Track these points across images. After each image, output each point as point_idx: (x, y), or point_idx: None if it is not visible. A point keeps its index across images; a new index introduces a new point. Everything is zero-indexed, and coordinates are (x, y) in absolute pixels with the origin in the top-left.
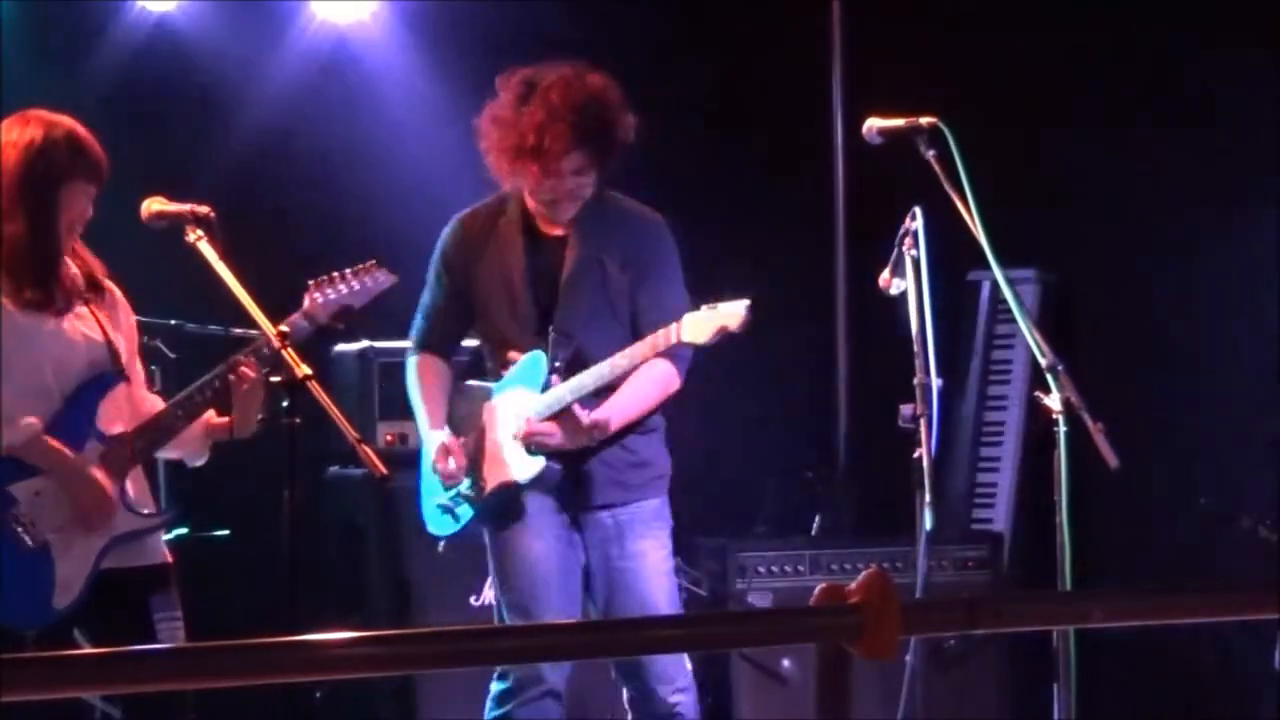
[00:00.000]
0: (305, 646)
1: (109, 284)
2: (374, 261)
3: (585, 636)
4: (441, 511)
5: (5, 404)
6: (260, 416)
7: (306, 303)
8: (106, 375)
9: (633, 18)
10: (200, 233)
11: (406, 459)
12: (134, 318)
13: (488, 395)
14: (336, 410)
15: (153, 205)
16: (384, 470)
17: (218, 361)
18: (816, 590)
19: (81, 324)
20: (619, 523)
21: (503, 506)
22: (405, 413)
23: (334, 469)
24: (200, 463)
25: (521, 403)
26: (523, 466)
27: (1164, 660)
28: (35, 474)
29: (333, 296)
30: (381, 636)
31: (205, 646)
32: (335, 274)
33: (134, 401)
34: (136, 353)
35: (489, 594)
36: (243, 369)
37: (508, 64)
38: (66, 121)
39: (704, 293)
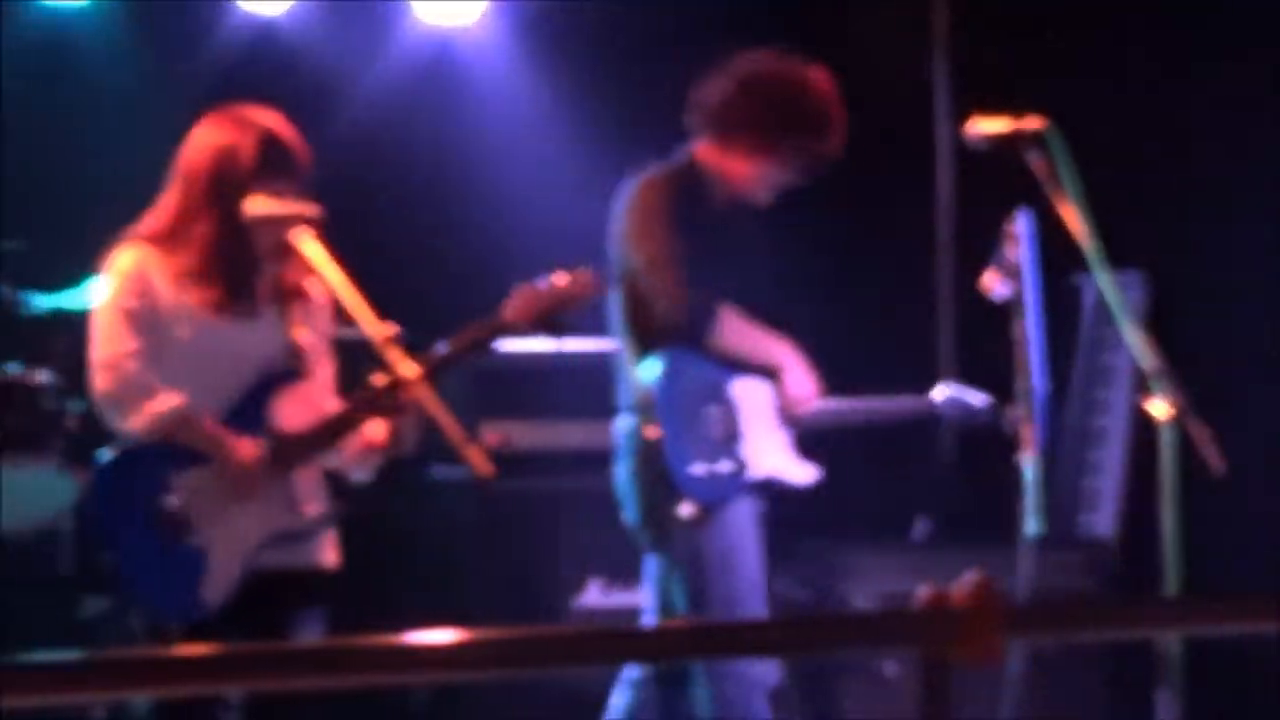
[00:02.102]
0: (408, 647)
1: (311, 289)
2: (586, 269)
3: (683, 639)
4: (707, 481)
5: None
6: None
7: (508, 306)
8: (282, 373)
9: (734, 18)
10: (305, 233)
11: (512, 461)
12: (333, 327)
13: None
14: (442, 410)
15: (258, 206)
16: (488, 471)
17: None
18: (918, 595)
19: (267, 326)
20: None
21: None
22: (509, 413)
23: (436, 469)
24: (363, 478)
25: (768, 395)
26: (797, 470)
27: (1274, 665)
28: (193, 467)
29: (531, 302)
30: (487, 637)
31: (311, 646)
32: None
33: (316, 404)
34: (328, 359)
35: (591, 595)
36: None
37: (611, 65)
38: (262, 120)
39: (810, 297)
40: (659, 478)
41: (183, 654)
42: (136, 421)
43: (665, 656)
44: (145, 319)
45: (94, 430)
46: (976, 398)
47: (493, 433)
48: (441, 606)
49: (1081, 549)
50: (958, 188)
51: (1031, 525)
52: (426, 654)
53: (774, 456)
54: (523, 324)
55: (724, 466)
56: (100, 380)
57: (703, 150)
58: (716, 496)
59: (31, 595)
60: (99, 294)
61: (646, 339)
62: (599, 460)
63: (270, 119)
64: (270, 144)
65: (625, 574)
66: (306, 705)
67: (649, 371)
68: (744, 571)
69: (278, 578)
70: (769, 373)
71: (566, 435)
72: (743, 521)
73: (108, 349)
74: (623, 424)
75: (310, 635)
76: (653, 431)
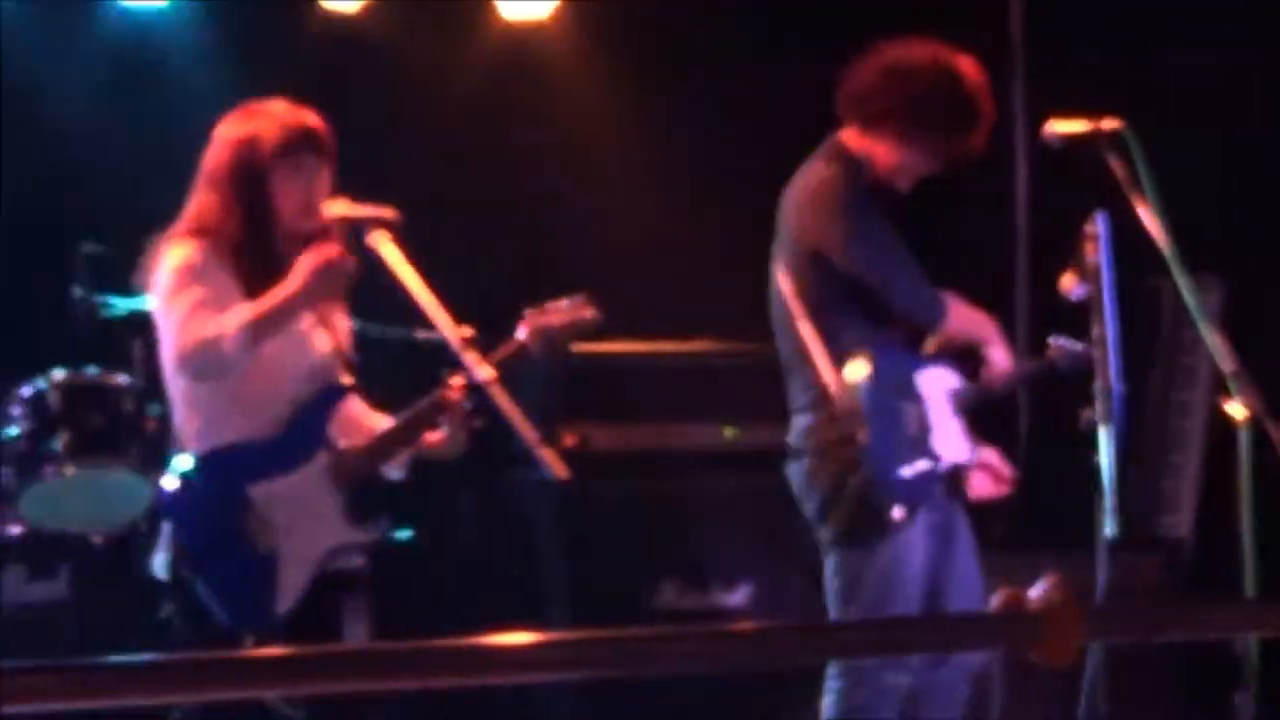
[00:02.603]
0: (485, 648)
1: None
2: (582, 296)
3: (777, 640)
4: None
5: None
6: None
7: (522, 330)
8: (338, 388)
9: (809, 22)
10: (383, 235)
11: (587, 462)
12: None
13: (905, 363)
14: (517, 413)
15: (336, 208)
16: (564, 473)
17: (398, 364)
18: (997, 596)
19: (314, 331)
20: None
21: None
22: (588, 414)
23: (516, 471)
24: (399, 477)
25: (947, 382)
26: (973, 455)
27: None
28: (271, 476)
29: (540, 323)
30: (562, 639)
31: (387, 647)
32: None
33: (357, 415)
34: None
35: (667, 596)
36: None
37: (684, 65)
38: (274, 109)
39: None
40: (866, 482)
41: (260, 655)
42: (232, 347)
43: (757, 657)
44: (210, 303)
45: (173, 435)
46: (1081, 345)
47: (570, 434)
48: (520, 608)
49: (1159, 550)
50: (1035, 189)
51: (1109, 527)
52: (505, 655)
53: (956, 444)
54: (533, 346)
55: (922, 464)
56: (186, 357)
57: (849, 137)
58: (920, 496)
59: (110, 596)
60: (160, 287)
61: (834, 335)
62: (676, 462)
63: (284, 105)
64: (311, 130)
65: (700, 576)
66: (382, 705)
67: (856, 372)
68: (909, 570)
69: (332, 580)
70: (974, 348)
71: (643, 437)
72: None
73: (184, 324)
74: (799, 423)
75: (358, 626)
76: (863, 436)
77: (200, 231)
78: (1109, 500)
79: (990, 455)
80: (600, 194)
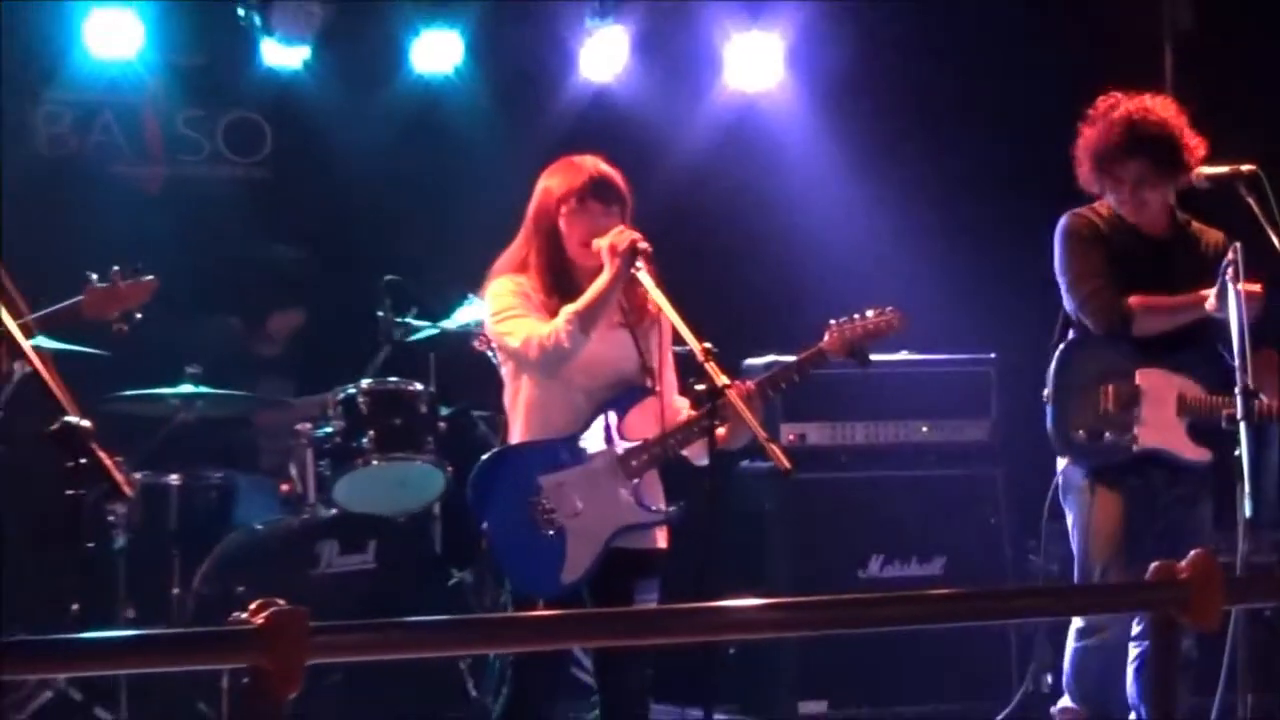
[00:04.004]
0: (722, 611)
1: (660, 313)
2: (891, 307)
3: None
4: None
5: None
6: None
7: (825, 338)
8: (636, 389)
9: (1002, 82)
10: (639, 264)
11: (805, 456)
12: (672, 346)
13: (1130, 359)
14: (749, 414)
15: (604, 240)
16: (788, 465)
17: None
18: (1151, 568)
19: (616, 341)
20: None
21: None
22: (806, 415)
23: (745, 463)
24: (702, 464)
25: (1179, 387)
26: (1190, 448)
27: None
28: (560, 469)
29: (846, 333)
30: (786, 604)
31: (647, 610)
32: (854, 315)
33: (661, 413)
34: (671, 371)
35: (873, 568)
36: (738, 391)
37: (899, 124)
38: (577, 161)
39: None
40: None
41: (539, 617)
42: (567, 338)
43: (948, 619)
44: (534, 317)
45: (460, 432)
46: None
47: (791, 432)
48: (750, 578)
49: None
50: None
51: (1248, 509)
52: (740, 616)
53: (1166, 434)
54: (837, 353)
55: (1108, 436)
56: (533, 351)
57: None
58: (1097, 459)
59: (410, 569)
60: (486, 316)
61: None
62: (878, 455)
63: (593, 161)
64: (593, 180)
65: (901, 550)
66: (645, 658)
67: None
68: (1104, 528)
69: (623, 556)
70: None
71: (851, 434)
72: (1116, 483)
73: (523, 330)
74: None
75: (647, 601)
76: (1046, 395)
77: (515, 265)
78: (1248, 486)
79: None
80: (814, 233)
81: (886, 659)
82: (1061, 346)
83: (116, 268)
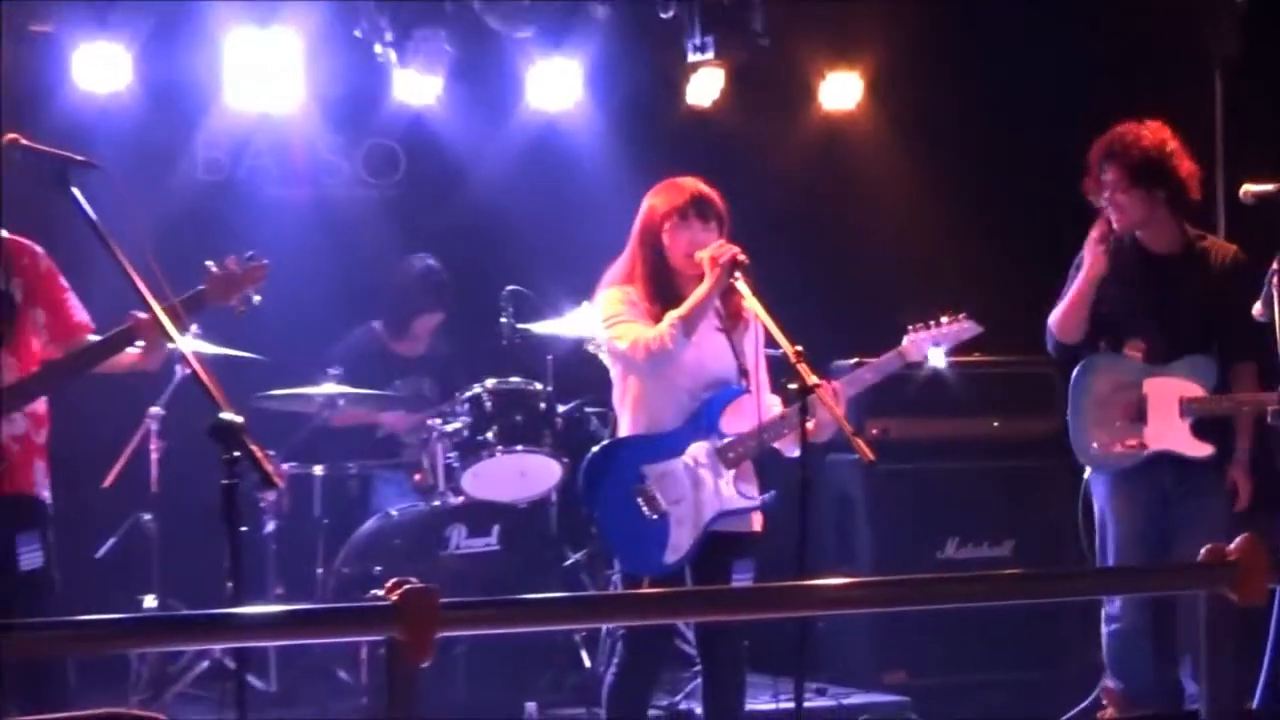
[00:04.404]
0: (811, 589)
1: (754, 318)
2: (964, 314)
3: (1033, 583)
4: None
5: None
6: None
7: (904, 342)
8: (732, 388)
9: (1057, 99)
10: (737, 275)
11: (887, 448)
12: (765, 348)
13: (1136, 372)
14: (836, 410)
15: (704, 252)
16: (871, 457)
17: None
18: (1203, 550)
19: (714, 344)
20: None
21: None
22: (887, 411)
23: (833, 455)
24: (793, 455)
25: (1181, 390)
26: (1193, 446)
27: None
28: (664, 460)
29: (923, 337)
30: (869, 583)
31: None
32: (930, 320)
33: (756, 410)
34: (764, 371)
35: (949, 550)
36: (826, 390)
37: (956, 142)
38: (679, 182)
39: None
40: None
41: (645, 595)
42: (671, 340)
43: (1017, 596)
44: (640, 322)
45: (574, 427)
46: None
47: (874, 426)
48: (838, 559)
49: None
50: (1233, 229)
51: None
52: (828, 594)
53: (1172, 435)
54: (912, 355)
55: (1121, 443)
56: (640, 353)
57: None
58: (1110, 465)
59: (529, 550)
60: (602, 319)
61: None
62: (953, 447)
63: (693, 181)
64: (694, 198)
65: (974, 534)
66: (741, 631)
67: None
68: (1119, 527)
69: (721, 539)
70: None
71: (929, 428)
72: (1130, 486)
73: (631, 334)
74: None
75: (743, 580)
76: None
77: (623, 277)
78: None
79: None
80: (894, 242)
81: (961, 632)
82: (1076, 368)
83: (233, 256)
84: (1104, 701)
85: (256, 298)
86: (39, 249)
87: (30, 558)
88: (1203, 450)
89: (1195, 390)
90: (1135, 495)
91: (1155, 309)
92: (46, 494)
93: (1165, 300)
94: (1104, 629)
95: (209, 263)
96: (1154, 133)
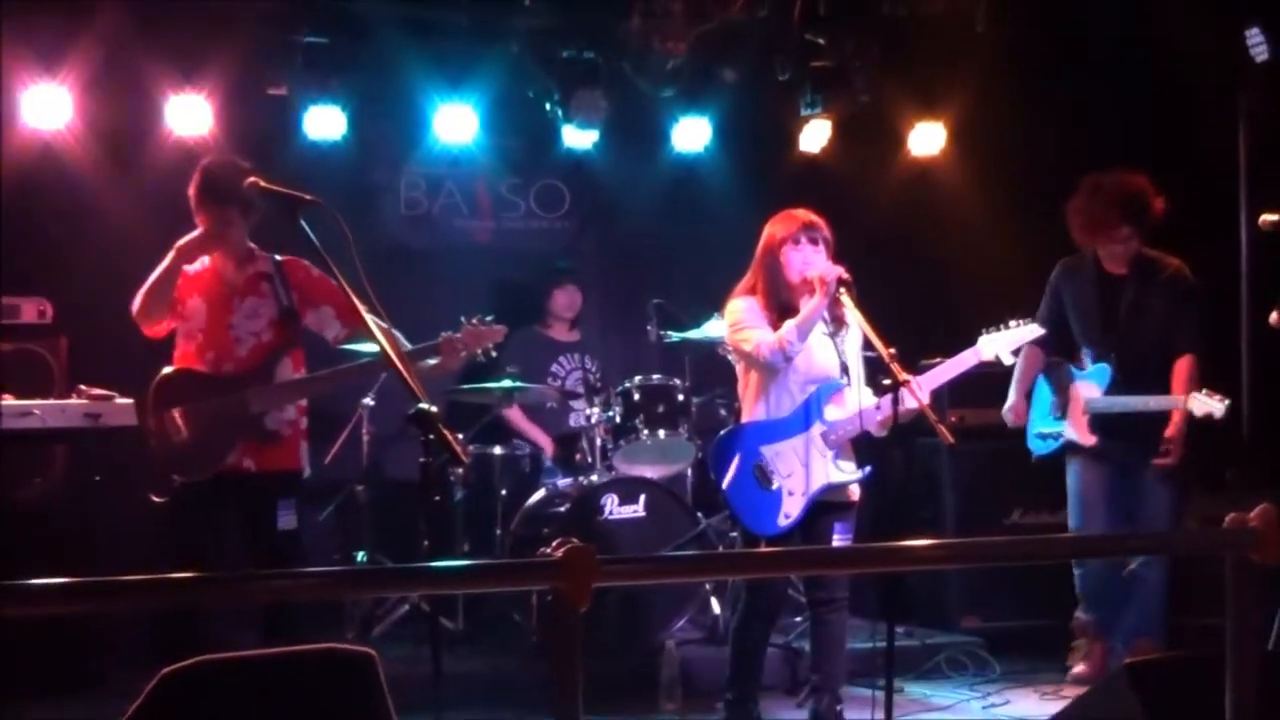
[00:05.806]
0: (904, 549)
1: (855, 324)
2: (1028, 319)
3: (1084, 544)
4: (1040, 439)
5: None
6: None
7: (978, 343)
8: (835, 382)
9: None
10: (842, 290)
11: (965, 432)
12: (862, 350)
13: (1071, 376)
14: (922, 401)
15: (812, 271)
16: (951, 440)
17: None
18: (1228, 518)
19: (822, 347)
20: None
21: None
22: (964, 401)
23: (920, 438)
24: (882, 435)
25: (1088, 393)
26: (1088, 436)
27: None
28: (778, 441)
29: (994, 339)
30: (949, 544)
31: (844, 548)
32: (999, 324)
33: (855, 401)
34: (861, 369)
35: (1015, 516)
36: (911, 384)
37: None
38: (793, 211)
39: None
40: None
41: (764, 553)
42: (789, 344)
43: (1050, 557)
44: (763, 329)
45: (707, 415)
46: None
47: (955, 414)
48: (924, 523)
49: None
50: (1254, 258)
51: None
52: (916, 553)
53: (1077, 428)
54: (987, 354)
55: (1055, 432)
56: (763, 353)
57: None
58: (1048, 451)
59: (669, 516)
60: (726, 327)
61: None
62: (1019, 431)
63: (805, 211)
64: (805, 226)
65: (1036, 503)
66: (843, 583)
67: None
68: (1079, 505)
69: (825, 507)
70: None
71: (999, 416)
72: (1078, 468)
73: (754, 338)
74: None
75: (844, 541)
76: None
77: (747, 290)
78: None
79: None
80: (970, 262)
81: (1026, 583)
82: (1040, 375)
83: (478, 316)
84: (1075, 632)
85: (494, 353)
86: (304, 260)
87: (287, 519)
88: (1090, 440)
89: (1094, 391)
90: (1077, 469)
91: (1097, 319)
92: (306, 469)
93: (1106, 312)
94: (1075, 570)
95: (464, 318)
96: (1126, 181)
